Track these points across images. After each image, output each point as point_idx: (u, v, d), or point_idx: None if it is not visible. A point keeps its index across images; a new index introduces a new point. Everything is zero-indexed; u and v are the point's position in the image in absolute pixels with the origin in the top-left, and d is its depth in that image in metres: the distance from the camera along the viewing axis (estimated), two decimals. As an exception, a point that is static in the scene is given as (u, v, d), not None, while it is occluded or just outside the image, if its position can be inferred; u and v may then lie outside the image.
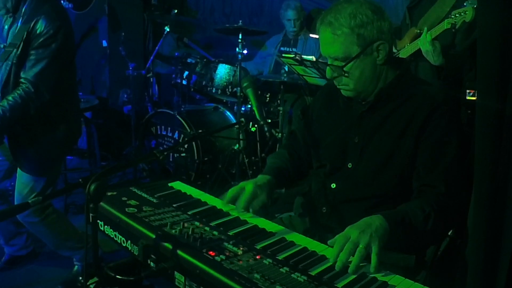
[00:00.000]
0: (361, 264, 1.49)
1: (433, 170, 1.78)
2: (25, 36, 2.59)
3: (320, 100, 2.17)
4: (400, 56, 2.99)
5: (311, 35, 5.05)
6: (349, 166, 1.93)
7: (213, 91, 4.81)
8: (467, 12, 2.52)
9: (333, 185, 1.97)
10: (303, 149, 2.20)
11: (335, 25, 1.80)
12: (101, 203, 1.75)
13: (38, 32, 2.58)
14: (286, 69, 4.35)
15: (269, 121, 4.63)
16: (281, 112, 4.44)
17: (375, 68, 1.86)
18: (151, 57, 5.30)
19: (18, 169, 2.87)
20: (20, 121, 2.69)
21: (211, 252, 1.48)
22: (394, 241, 1.61)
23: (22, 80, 2.61)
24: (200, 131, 4.47)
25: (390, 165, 1.84)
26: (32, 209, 2.80)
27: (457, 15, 2.57)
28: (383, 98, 1.88)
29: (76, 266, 3.18)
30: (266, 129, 3.62)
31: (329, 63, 1.88)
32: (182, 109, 4.76)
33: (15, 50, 2.60)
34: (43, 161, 2.83)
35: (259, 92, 4.75)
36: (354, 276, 1.45)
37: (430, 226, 1.70)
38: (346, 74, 1.85)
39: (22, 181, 2.85)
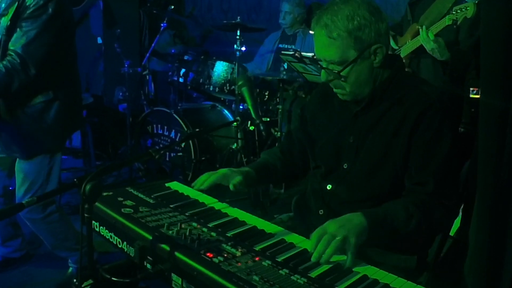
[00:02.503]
0: (361, 267, 1.50)
1: (424, 169, 1.79)
2: (15, 8, 2.56)
3: (315, 100, 2.16)
4: (401, 53, 2.99)
5: (311, 31, 5.02)
6: (345, 167, 1.93)
7: (211, 89, 4.81)
8: (468, 8, 2.52)
9: (329, 187, 1.97)
10: (297, 149, 2.21)
11: (331, 28, 1.76)
12: (97, 204, 1.75)
13: (27, 3, 2.56)
14: (285, 67, 4.35)
15: (268, 119, 4.63)
16: (280, 110, 4.44)
17: (371, 71, 1.84)
18: (147, 54, 5.30)
19: (16, 166, 2.86)
20: (2, 95, 2.64)
21: (209, 254, 1.48)
22: (374, 239, 1.65)
23: (9, 51, 2.58)
24: (197, 130, 4.47)
25: (384, 165, 1.84)
26: (34, 206, 2.79)
27: (458, 11, 2.57)
28: (377, 97, 1.87)
29: (70, 268, 3.17)
30: (262, 128, 3.62)
31: (324, 66, 1.85)
32: (178, 107, 4.75)
33: (4, 19, 2.57)
34: (29, 140, 2.79)
35: (258, 90, 4.75)
36: (355, 279, 1.45)
37: (413, 226, 1.71)
38: (342, 79, 1.83)
39: (20, 177, 2.85)
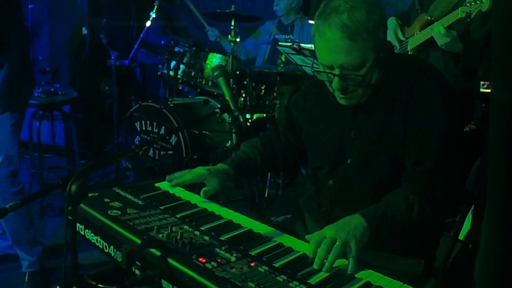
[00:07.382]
0: (364, 273, 1.51)
1: (421, 144, 1.79)
2: None
3: (310, 99, 2.13)
4: (409, 45, 2.99)
5: (310, 21, 5.02)
6: (349, 162, 1.94)
7: (203, 82, 4.81)
8: (483, 1, 2.52)
9: (331, 182, 1.99)
10: (283, 146, 2.24)
11: (352, 29, 1.68)
12: (82, 205, 1.75)
13: None
14: (283, 59, 4.34)
15: (264, 115, 4.63)
16: (277, 106, 4.44)
17: (382, 70, 1.82)
18: (135, 46, 5.29)
19: None
20: None
21: (201, 259, 1.48)
22: (377, 238, 1.65)
23: None
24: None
25: (382, 148, 1.84)
26: (8, 178, 2.96)
27: (472, 3, 2.57)
28: (379, 94, 1.87)
29: (27, 274, 3.16)
30: (242, 119, 3.68)
31: (337, 73, 1.78)
32: (169, 102, 4.74)
33: None
34: None
35: (254, 84, 4.75)
36: (357, 286, 1.45)
37: (417, 214, 1.71)
38: (364, 83, 1.79)
39: None
